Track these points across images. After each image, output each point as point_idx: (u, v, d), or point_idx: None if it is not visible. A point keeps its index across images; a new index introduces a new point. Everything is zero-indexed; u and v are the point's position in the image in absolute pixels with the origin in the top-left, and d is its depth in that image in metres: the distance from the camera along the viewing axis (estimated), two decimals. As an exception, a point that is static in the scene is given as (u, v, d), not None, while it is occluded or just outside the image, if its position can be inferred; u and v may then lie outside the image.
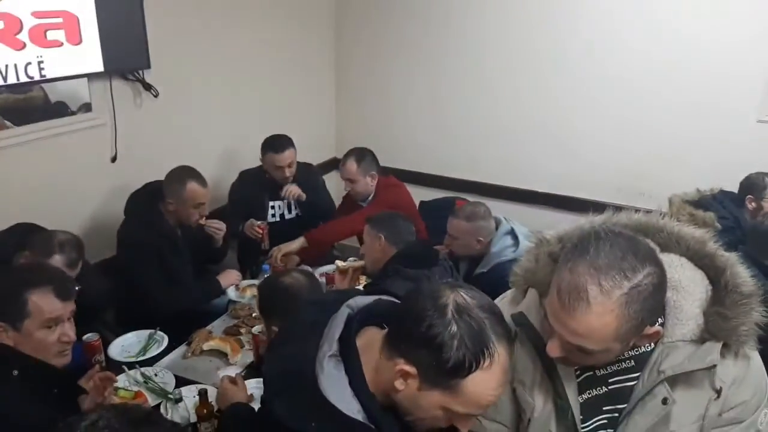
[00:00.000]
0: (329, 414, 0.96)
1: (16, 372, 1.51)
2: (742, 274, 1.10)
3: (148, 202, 2.55)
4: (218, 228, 2.67)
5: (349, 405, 0.98)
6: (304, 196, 3.08)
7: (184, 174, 2.52)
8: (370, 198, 3.09)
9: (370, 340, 1.06)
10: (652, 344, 1.11)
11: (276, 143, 2.98)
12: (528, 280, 1.23)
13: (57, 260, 2.03)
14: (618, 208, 1.25)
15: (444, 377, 0.95)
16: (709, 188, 2.99)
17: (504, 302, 1.28)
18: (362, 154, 3.06)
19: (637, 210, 1.24)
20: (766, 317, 1.08)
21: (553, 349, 1.05)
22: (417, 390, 0.98)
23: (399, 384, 0.98)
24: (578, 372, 1.15)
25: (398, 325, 1.02)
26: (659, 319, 1.08)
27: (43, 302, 1.59)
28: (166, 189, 2.52)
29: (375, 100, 4.06)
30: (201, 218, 2.57)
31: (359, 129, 4.10)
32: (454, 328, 0.93)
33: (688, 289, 1.10)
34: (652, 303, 1.00)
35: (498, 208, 2.81)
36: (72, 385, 1.72)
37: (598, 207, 1.30)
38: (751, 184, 2.88)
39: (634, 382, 1.12)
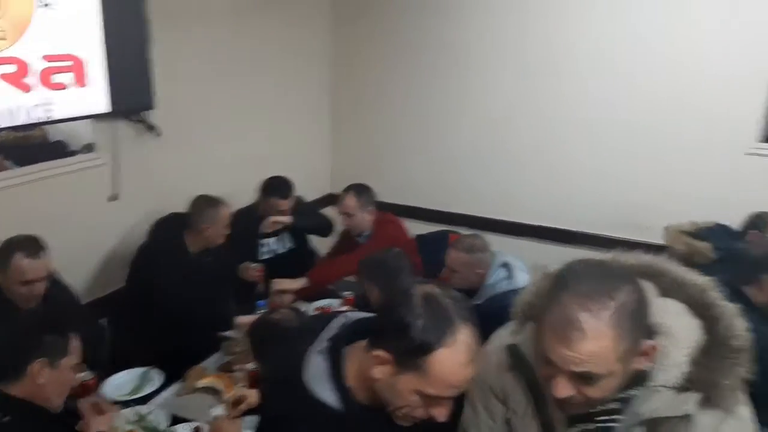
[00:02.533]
0: (306, 399, 1.09)
1: (7, 418, 1.52)
2: (737, 328, 1.09)
3: (174, 230, 2.71)
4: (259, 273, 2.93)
5: (326, 393, 1.10)
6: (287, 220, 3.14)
7: (213, 199, 2.73)
8: (367, 233, 3.11)
9: (360, 346, 1.15)
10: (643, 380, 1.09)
11: (283, 189, 3.08)
12: (526, 313, 1.23)
13: (18, 257, 2.07)
14: (625, 245, 1.27)
15: (413, 358, 1.04)
16: (704, 222, 3.00)
17: (505, 332, 1.29)
18: (361, 189, 3.12)
19: (643, 246, 1.25)
20: (751, 375, 1.07)
21: (562, 389, 1.03)
22: (392, 376, 1.07)
23: (377, 372, 1.08)
24: None
25: (376, 322, 1.14)
26: (654, 337, 1.07)
27: (77, 343, 1.71)
28: (200, 215, 2.69)
29: (370, 137, 4.12)
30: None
31: (355, 165, 4.15)
32: (420, 311, 1.05)
33: (678, 336, 1.09)
34: (640, 318, 1.02)
35: (493, 241, 2.81)
36: (63, 425, 1.73)
37: (594, 240, 1.31)
38: (759, 221, 2.85)
39: (618, 424, 1.11)
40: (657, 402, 1.08)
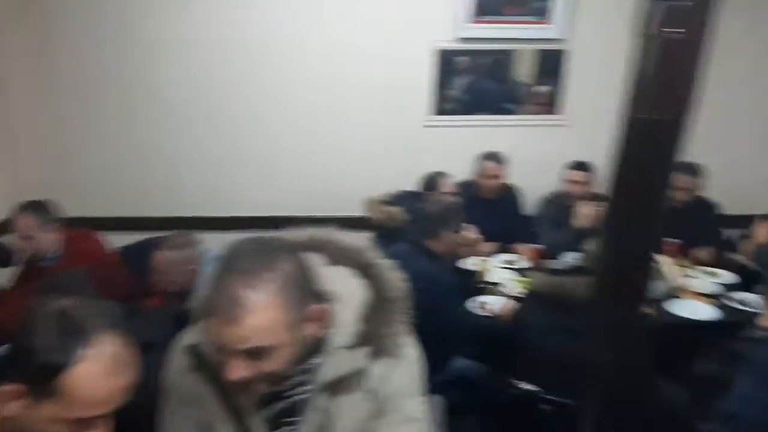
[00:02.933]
0: None
1: None
2: (391, 281, 1.19)
3: None
4: None
5: None
6: None
7: None
8: (54, 255, 2.72)
9: None
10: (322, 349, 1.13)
11: None
12: (203, 310, 1.15)
13: None
14: (332, 222, 1.29)
15: (45, 383, 0.93)
16: (396, 190, 3.36)
17: (187, 334, 1.22)
18: (38, 206, 2.73)
19: (348, 219, 1.27)
20: (414, 319, 1.19)
21: (235, 371, 1.01)
22: (29, 409, 0.95)
23: (11, 409, 0.95)
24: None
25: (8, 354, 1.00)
26: (324, 303, 1.11)
27: None
28: None
29: (51, 148, 3.62)
30: None
31: (37, 182, 3.58)
32: (47, 330, 0.94)
33: (347, 300, 1.15)
34: (303, 286, 1.05)
35: (207, 239, 2.73)
36: None
37: (306, 222, 1.31)
38: (432, 182, 3.30)
39: (306, 395, 1.14)
40: (334, 364, 1.12)
